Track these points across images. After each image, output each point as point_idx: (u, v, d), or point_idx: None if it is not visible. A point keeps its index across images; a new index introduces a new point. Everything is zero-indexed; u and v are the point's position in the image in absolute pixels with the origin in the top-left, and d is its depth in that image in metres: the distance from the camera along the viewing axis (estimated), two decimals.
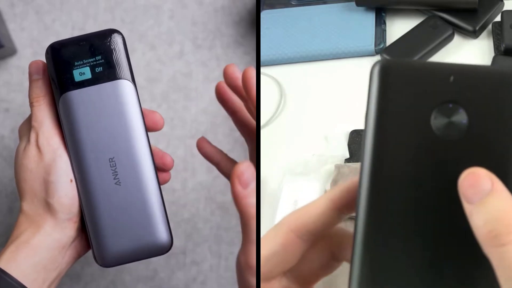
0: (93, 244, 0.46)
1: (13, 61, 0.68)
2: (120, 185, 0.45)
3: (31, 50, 0.68)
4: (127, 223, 0.45)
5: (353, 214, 0.33)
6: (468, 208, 0.30)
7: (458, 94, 0.32)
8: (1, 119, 0.67)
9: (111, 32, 0.46)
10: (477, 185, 0.30)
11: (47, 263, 0.45)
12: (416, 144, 0.32)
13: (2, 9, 0.68)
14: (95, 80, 0.45)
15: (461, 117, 0.32)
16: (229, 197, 0.68)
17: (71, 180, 0.46)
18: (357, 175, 0.32)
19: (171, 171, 0.51)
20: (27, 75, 0.69)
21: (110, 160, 0.45)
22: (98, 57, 0.45)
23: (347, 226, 0.39)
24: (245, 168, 0.38)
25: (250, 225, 0.39)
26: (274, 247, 0.34)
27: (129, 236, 0.45)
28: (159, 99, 0.67)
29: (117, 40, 0.45)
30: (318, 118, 0.74)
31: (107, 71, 0.45)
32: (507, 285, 0.28)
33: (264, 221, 0.65)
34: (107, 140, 0.45)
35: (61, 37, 0.68)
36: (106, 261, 0.46)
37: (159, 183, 0.46)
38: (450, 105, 0.32)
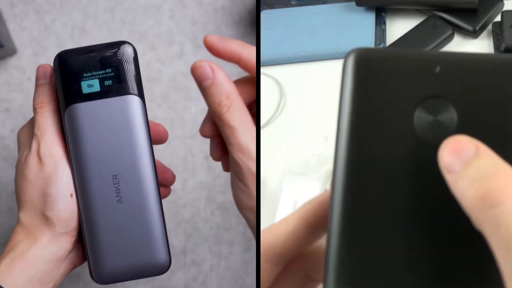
0: (90, 260, 0.45)
1: (13, 61, 0.68)
2: (121, 203, 0.44)
3: (31, 50, 0.68)
4: (126, 242, 0.44)
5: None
6: (451, 178, 0.25)
7: (445, 87, 0.27)
8: (1, 119, 0.67)
9: (123, 44, 0.44)
10: (460, 152, 0.25)
11: (42, 276, 0.44)
12: (396, 148, 0.27)
13: (2, 9, 0.68)
14: (104, 93, 0.44)
15: (449, 114, 0.27)
16: (229, 197, 0.68)
17: (71, 195, 0.44)
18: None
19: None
20: (27, 75, 0.69)
21: (114, 177, 0.44)
22: (108, 70, 0.44)
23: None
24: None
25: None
26: None
27: (127, 255, 0.45)
28: (159, 99, 0.67)
29: (129, 53, 0.44)
30: (318, 118, 0.74)
31: (116, 85, 0.44)
32: (508, 257, 0.23)
33: (264, 221, 0.65)
34: (112, 157, 0.44)
35: (61, 37, 0.68)
36: (102, 278, 0.45)
37: (161, 202, 0.46)
38: (436, 101, 0.27)
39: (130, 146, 0.44)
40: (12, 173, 0.67)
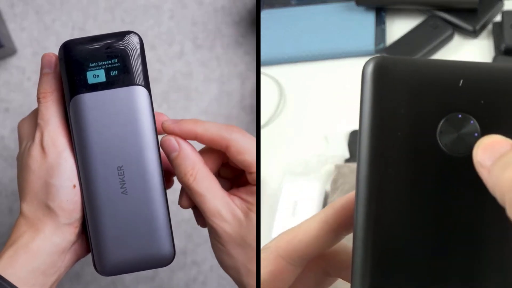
0: (94, 251, 0.45)
1: (13, 61, 0.68)
2: (126, 194, 0.44)
3: (31, 50, 0.68)
4: (130, 233, 0.44)
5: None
6: (484, 173, 0.25)
7: (469, 102, 0.27)
8: (1, 119, 0.67)
9: (129, 34, 0.43)
10: (494, 147, 0.25)
11: (46, 268, 0.44)
12: (420, 162, 0.27)
13: (2, 9, 0.68)
14: (110, 84, 0.43)
15: (472, 129, 0.27)
16: None
17: (74, 186, 0.44)
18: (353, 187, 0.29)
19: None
20: (27, 75, 0.69)
21: (119, 168, 0.44)
22: (114, 60, 0.43)
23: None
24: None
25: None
26: (262, 275, 0.32)
27: (132, 246, 0.44)
28: (159, 99, 0.67)
29: (135, 43, 0.43)
30: (318, 118, 0.74)
31: (122, 76, 0.43)
32: None
33: (264, 221, 0.65)
34: (117, 148, 0.44)
35: (61, 37, 0.68)
36: (106, 270, 0.45)
37: (166, 194, 0.46)
38: (460, 115, 0.27)
39: (135, 137, 0.44)
40: (12, 173, 0.67)
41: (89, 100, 0.43)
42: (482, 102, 0.27)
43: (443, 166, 0.27)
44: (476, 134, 0.27)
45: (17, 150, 0.47)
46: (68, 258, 0.45)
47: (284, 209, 0.64)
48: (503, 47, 0.71)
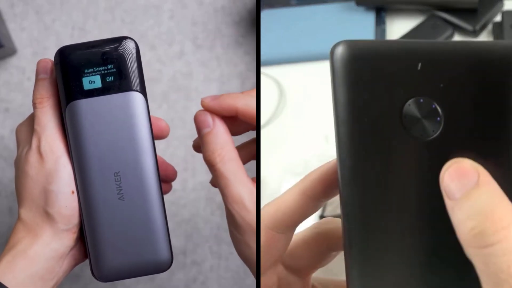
0: (91, 257, 0.45)
1: (13, 61, 0.68)
2: (123, 200, 0.44)
3: (31, 50, 0.68)
4: (127, 239, 0.44)
5: (331, 200, 0.31)
6: (449, 204, 0.26)
7: (427, 86, 0.27)
8: (1, 119, 0.67)
9: (125, 39, 0.44)
10: (461, 178, 0.26)
11: (44, 273, 0.43)
12: (386, 148, 0.27)
13: (2, 9, 0.68)
14: (105, 90, 0.43)
15: (434, 113, 0.27)
16: None
17: (73, 192, 0.44)
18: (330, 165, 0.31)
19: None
20: (27, 75, 0.69)
21: (115, 174, 0.44)
22: (110, 66, 0.43)
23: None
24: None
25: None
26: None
27: (129, 252, 0.44)
28: (159, 99, 0.67)
29: (131, 48, 0.43)
30: (318, 118, 0.74)
31: (118, 82, 0.43)
32: None
33: None
34: (114, 154, 0.43)
35: (61, 37, 0.68)
36: (103, 276, 0.45)
37: (163, 199, 0.45)
38: (421, 100, 0.27)
39: (132, 143, 0.44)
40: (12, 173, 0.67)
41: (85, 106, 0.43)
42: (441, 86, 0.26)
43: (410, 151, 0.27)
44: (438, 119, 0.27)
45: (16, 147, 0.47)
46: (66, 263, 0.45)
47: None
48: None
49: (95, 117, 0.43)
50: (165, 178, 0.49)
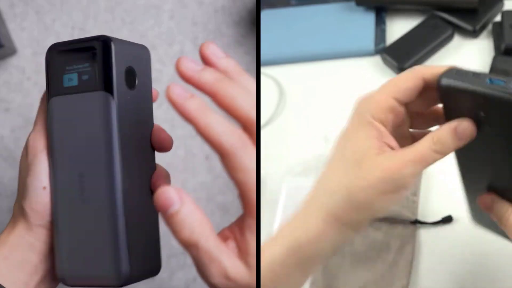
0: (55, 257, 0.44)
1: (13, 61, 0.68)
2: (86, 204, 0.42)
3: (31, 50, 0.68)
4: (84, 244, 0.42)
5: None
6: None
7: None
8: (1, 119, 0.67)
9: (101, 38, 0.43)
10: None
11: (22, 264, 0.44)
12: None
13: (2, 9, 0.68)
14: (80, 88, 0.42)
15: None
16: (229, 197, 0.68)
17: (44, 188, 0.44)
18: None
19: (171, 171, 0.51)
20: (27, 75, 0.69)
21: (80, 175, 0.42)
22: (86, 64, 0.42)
23: None
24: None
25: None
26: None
27: (84, 259, 0.42)
28: (159, 99, 0.67)
29: (105, 48, 0.42)
30: (318, 118, 0.74)
31: (91, 81, 0.42)
32: None
33: (264, 221, 0.65)
34: (80, 154, 0.42)
35: (61, 37, 0.68)
36: (62, 278, 0.43)
37: (133, 206, 0.42)
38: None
39: (97, 144, 0.42)
40: (11, 173, 0.67)
41: (60, 103, 0.43)
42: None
43: None
44: None
45: (17, 150, 0.48)
46: (52, 260, 0.45)
47: (284, 209, 0.64)
48: (503, 47, 0.71)
49: (68, 115, 0.43)
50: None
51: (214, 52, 0.39)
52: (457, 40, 0.77)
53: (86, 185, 0.42)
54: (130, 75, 0.43)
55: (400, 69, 0.74)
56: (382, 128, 0.39)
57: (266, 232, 0.64)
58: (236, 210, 0.68)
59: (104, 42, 0.42)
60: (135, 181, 0.43)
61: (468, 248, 0.56)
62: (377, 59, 0.77)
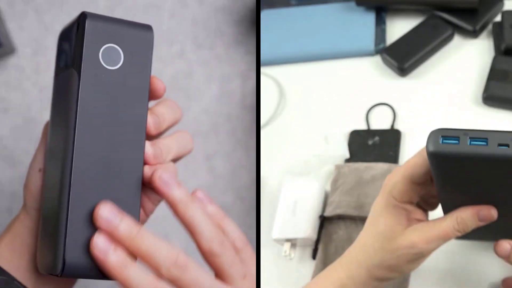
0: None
1: (12, 60, 0.67)
2: (48, 189, 0.42)
3: (30, 49, 0.68)
4: (46, 229, 0.42)
5: None
6: None
7: None
8: (1, 119, 0.67)
9: (79, 16, 0.42)
10: None
11: (26, 250, 0.44)
12: None
13: (1, 8, 0.68)
14: (64, 67, 0.43)
15: None
16: (229, 197, 0.68)
17: (40, 170, 0.44)
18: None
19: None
20: (26, 74, 0.69)
21: (56, 156, 0.42)
22: (68, 44, 0.43)
23: None
24: None
25: None
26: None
27: (44, 245, 0.42)
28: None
29: (79, 25, 0.42)
30: (318, 118, 0.74)
31: (69, 60, 0.42)
32: None
33: (264, 221, 0.65)
34: (57, 133, 0.42)
35: None
36: (38, 267, 0.43)
37: (87, 192, 0.41)
38: None
39: (63, 123, 0.41)
40: (11, 173, 0.66)
41: (56, 83, 0.44)
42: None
43: None
44: None
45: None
46: None
47: (284, 209, 0.64)
48: (503, 47, 0.71)
49: (55, 94, 0.43)
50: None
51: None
52: (457, 40, 0.77)
53: (52, 166, 0.42)
54: (111, 53, 0.42)
55: (400, 69, 0.74)
56: (409, 207, 0.46)
57: (266, 232, 0.64)
58: (236, 210, 0.68)
59: (79, 19, 0.42)
60: (97, 165, 0.41)
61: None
62: (377, 59, 0.77)
